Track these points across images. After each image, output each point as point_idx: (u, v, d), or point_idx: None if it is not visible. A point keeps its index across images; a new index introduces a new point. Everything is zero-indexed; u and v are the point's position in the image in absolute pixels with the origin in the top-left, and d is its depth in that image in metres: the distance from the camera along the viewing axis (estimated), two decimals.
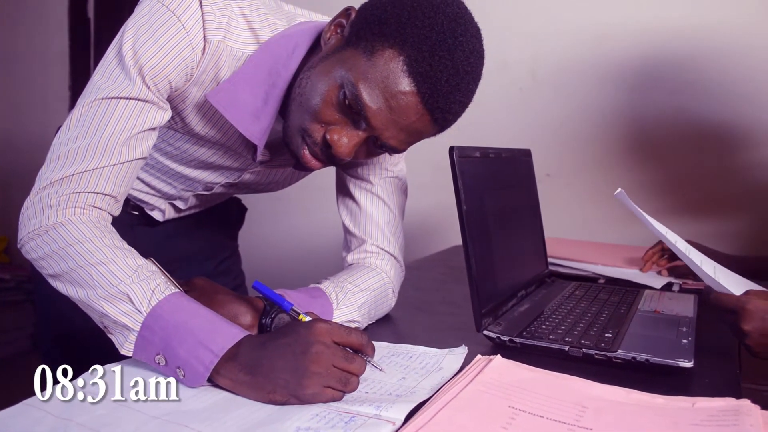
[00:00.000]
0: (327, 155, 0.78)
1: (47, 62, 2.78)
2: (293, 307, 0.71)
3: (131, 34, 0.73)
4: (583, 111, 1.78)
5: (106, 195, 0.75)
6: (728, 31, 1.59)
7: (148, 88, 0.74)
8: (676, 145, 1.69)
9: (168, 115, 0.78)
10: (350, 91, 0.72)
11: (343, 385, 0.62)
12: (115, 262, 0.69)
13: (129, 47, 0.73)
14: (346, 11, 0.77)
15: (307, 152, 0.78)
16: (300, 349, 0.62)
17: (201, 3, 0.73)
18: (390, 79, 0.71)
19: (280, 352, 0.63)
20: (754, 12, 1.04)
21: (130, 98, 0.73)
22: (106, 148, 0.73)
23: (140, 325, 0.67)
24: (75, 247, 0.70)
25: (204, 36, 0.74)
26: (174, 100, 0.80)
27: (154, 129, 0.77)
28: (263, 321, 0.75)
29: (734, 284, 0.87)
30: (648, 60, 1.70)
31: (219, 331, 0.66)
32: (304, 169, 0.84)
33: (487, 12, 1.86)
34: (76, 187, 0.73)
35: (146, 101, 0.75)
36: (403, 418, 0.58)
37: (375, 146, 0.78)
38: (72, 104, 2.72)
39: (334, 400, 0.62)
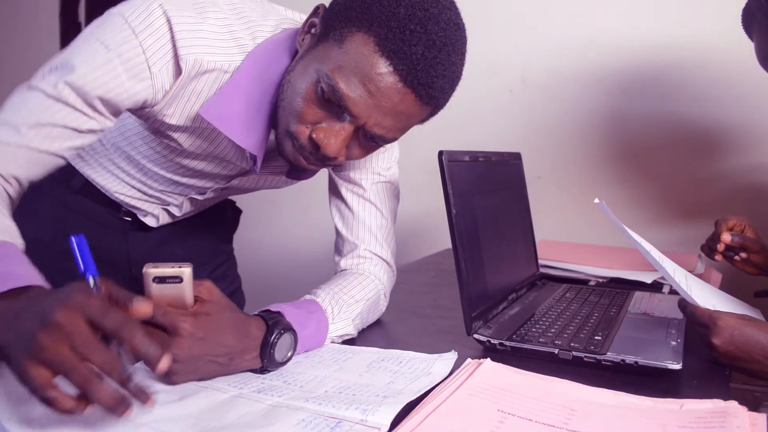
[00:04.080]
0: (317, 157, 0.76)
1: (38, 66, 2.77)
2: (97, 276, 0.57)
3: (81, 41, 0.73)
4: (573, 113, 1.79)
5: None
6: (712, 42, 1.61)
7: (79, 97, 0.72)
8: (665, 149, 1.70)
9: (96, 125, 0.75)
10: (326, 83, 0.70)
11: (74, 376, 0.48)
12: None
13: (76, 59, 0.72)
14: (316, 9, 0.76)
15: (302, 158, 0.77)
16: (37, 312, 0.50)
17: (171, 24, 0.72)
18: (364, 63, 0.68)
19: (24, 309, 0.52)
20: (735, 24, 1.05)
21: (52, 97, 0.72)
22: (11, 127, 0.72)
23: None
24: None
25: (176, 55, 0.73)
26: (156, 118, 0.80)
27: (73, 130, 0.74)
28: (266, 340, 0.71)
29: (705, 294, 0.89)
30: (636, 66, 1.70)
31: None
32: (297, 177, 0.82)
33: (477, 15, 1.87)
34: None
35: (68, 105, 0.72)
36: (388, 423, 0.58)
37: (366, 139, 0.75)
38: None
39: (48, 398, 0.49)
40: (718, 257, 1.15)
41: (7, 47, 2.84)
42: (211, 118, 0.76)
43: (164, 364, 0.51)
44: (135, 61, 0.72)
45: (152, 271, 0.66)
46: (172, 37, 0.72)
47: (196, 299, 0.70)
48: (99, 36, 0.72)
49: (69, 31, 2.72)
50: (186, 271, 0.66)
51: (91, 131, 0.76)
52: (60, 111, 0.72)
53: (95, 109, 0.74)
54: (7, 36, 2.84)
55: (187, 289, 0.67)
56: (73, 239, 0.57)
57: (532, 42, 1.81)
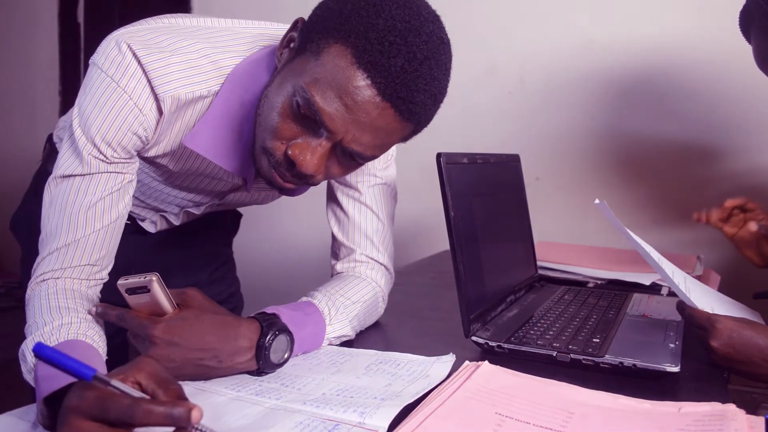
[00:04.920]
0: (294, 174, 0.73)
1: (37, 68, 2.77)
2: (96, 374, 0.51)
3: (77, 110, 0.74)
4: (572, 115, 1.79)
5: (77, 266, 0.76)
6: (712, 43, 1.61)
7: (99, 159, 0.74)
8: (664, 150, 1.70)
9: (129, 176, 0.78)
10: (302, 96, 0.67)
11: None
12: (37, 325, 0.68)
13: (77, 125, 0.74)
14: (295, 23, 0.74)
15: (277, 175, 0.74)
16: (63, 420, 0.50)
17: (141, 64, 0.71)
18: (340, 76, 0.65)
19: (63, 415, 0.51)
20: (735, 25, 1.05)
21: (84, 175, 0.74)
22: (69, 225, 0.74)
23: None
24: (27, 316, 0.71)
25: (155, 95, 0.73)
26: (146, 152, 0.80)
27: (115, 191, 0.77)
28: (260, 342, 0.71)
29: (703, 295, 0.89)
30: (635, 67, 1.71)
31: (50, 381, 0.57)
32: (286, 193, 0.81)
33: (476, 16, 1.88)
34: (53, 266, 0.75)
35: (99, 173, 0.75)
36: (386, 426, 0.58)
37: (345, 157, 0.72)
38: (62, 109, 2.71)
39: None
40: (728, 226, 1.19)
41: (7, 48, 2.84)
42: (195, 146, 0.77)
43: (196, 413, 0.47)
44: (126, 109, 0.72)
45: (122, 283, 0.69)
46: (147, 77, 0.72)
47: (179, 306, 0.71)
48: (88, 98, 0.73)
49: (68, 32, 2.72)
50: (151, 280, 0.68)
51: (131, 182, 0.79)
52: (100, 180, 0.75)
53: (122, 163, 0.76)
54: (6, 37, 2.84)
55: (158, 297, 0.69)
56: (42, 353, 0.51)
57: (531, 43, 1.82)
